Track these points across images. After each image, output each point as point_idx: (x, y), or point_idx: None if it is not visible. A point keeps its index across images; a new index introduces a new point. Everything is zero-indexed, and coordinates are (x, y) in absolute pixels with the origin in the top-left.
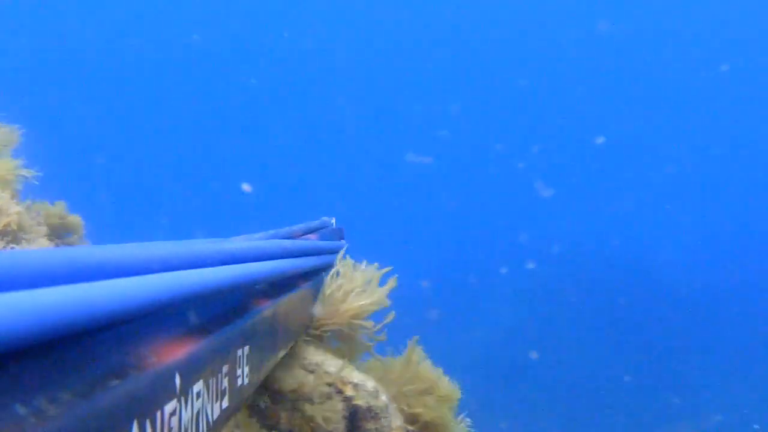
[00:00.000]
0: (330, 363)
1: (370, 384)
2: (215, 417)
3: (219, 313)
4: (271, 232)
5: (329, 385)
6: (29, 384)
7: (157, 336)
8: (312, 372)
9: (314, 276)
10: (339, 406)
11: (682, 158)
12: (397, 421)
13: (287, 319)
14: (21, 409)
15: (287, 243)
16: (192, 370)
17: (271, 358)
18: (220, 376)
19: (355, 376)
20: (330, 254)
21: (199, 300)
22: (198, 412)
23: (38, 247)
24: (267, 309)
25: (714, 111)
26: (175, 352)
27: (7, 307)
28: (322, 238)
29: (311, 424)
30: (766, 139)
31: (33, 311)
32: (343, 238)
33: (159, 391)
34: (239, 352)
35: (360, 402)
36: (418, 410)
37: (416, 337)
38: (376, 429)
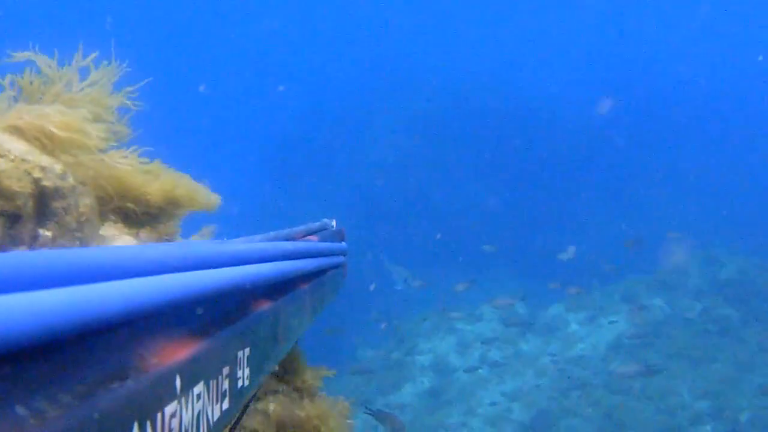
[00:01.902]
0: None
1: (57, 167)
2: (216, 418)
3: (219, 314)
4: (272, 234)
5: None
6: (30, 385)
7: (157, 337)
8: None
9: (315, 277)
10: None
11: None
12: (86, 200)
13: (288, 321)
14: (21, 411)
15: (288, 245)
16: (192, 371)
17: (271, 360)
18: (220, 377)
19: (44, 160)
20: (330, 256)
21: (200, 302)
22: (198, 414)
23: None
24: (267, 311)
25: None
26: (176, 353)
27: (8, 309)
28: (323, 240)
29: None
30: None
31: (34, 313)
32: (343, 240)
33: (159, 393)
34: (240, 353)
35: (47, 183)
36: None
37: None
38: (63, 207)
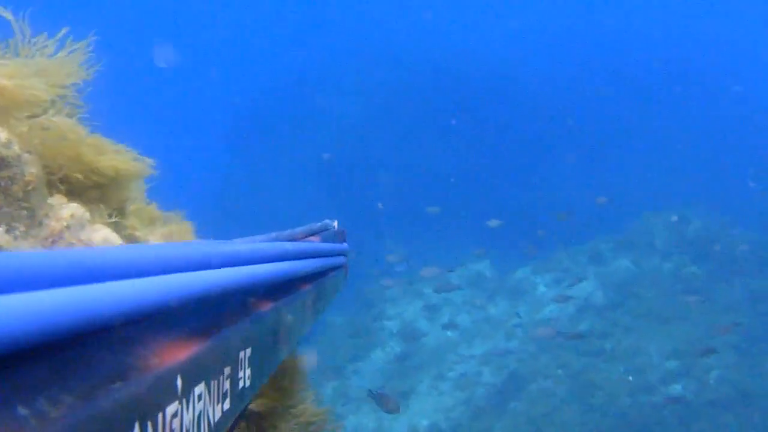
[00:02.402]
0: None
1: (2, 135)
2: (217, 419)
3: (221, 315)
4: (273, 234)
5: None
6: (31, 386)
7: (158, 338)
8: None
9: (316, 278)
10: None
11: None
12: (32, 169)
13: (289, 322)
14: (23, 411)
15: (289, 245)
16: (194, 372)
17: (273, 361)
18: (221, 378)
19: None
20: (332, 256)
21: (201, 302)
22: (199, 414)
23: None
24: (269, 311)
25: None
26: (177, 354)
27: (8, 309)
28: (324, 241)
29: None
30: None
31: (34, 313)
32: (345, 241)
33: (161, 393)
34: (241, 354)
35: None
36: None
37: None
38: (9, 176)
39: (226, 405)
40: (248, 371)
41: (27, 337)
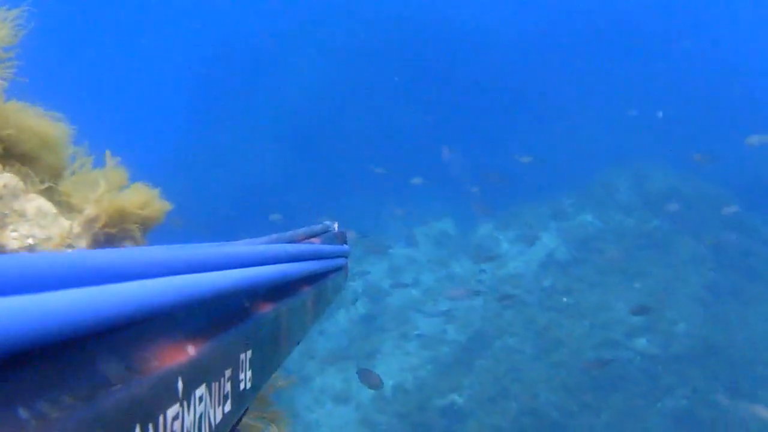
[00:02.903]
0: None
1: None
2: (218, 421)
3: (221, 317)
4: (274, 236)
5: None
6: (32, 387)
7: (159, 340)
8: None
9: (317, 280)
10: None
11: None
12: None
13: (290, 323)
14: (23, 413)
15: (289, 247)
16: (194, 374)
17: (273, 362)
18: (222, 380)
19: None
20: (332, 258)
21: (202, 304)
22: (200, 417)
23: None
24: (269, 313)
25: None
26: (178, 356)
27: (9, 311)
28: (325, 242)
29: None
30: None
31: (36, 315)
32: (346, 242)
33: (161, 395)
34: (242, 356)
35: None
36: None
37: None
38: None
39: (227, 407)
40: (249, 373)
41: (28, 339)
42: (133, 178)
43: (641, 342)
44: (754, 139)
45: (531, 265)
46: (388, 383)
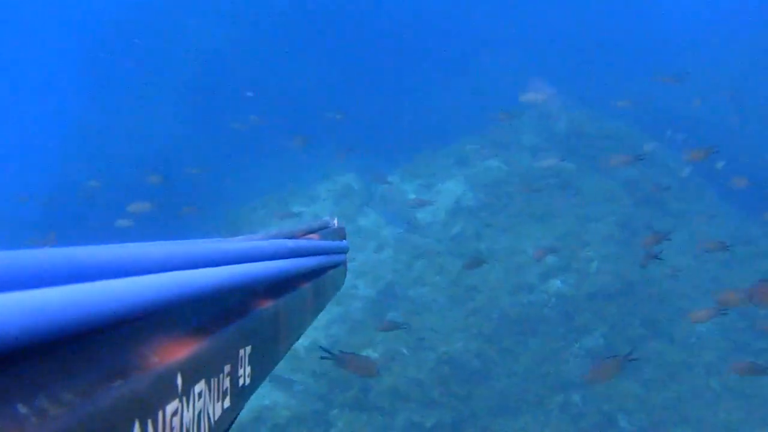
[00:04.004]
0: None
1: None
2: (217, 417)
3: (220, 313)
4: (273, 232)
5: None
6: (31, 383)
7: (158, 336)
8: None
9: (316, 276)
10: None
11: None
12: None
13: (289, 319)
14: (23, 409)
15: (289, 243)
16: (194, 369)
17: (273, 358)
18: (221, 376)
19: None
20: (331, 254)
21: (201, 300)
22: (200, 412)
23: None
24: (269, 309)
25: None
26: (177, 351)
27: (8, 307)
28: (324, 238)
29: None
30: None
31: (34, 311)
32: (344, 238)
33: (161, 391)
34: (241, 352)
35: None
36: None
37: None
38: None
39: (227, 403)
40: (248, 369)
41: (26, 335)
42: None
43: (556, 283)
44: (661, 77)
45: (439, 213)
46: (302, 343)
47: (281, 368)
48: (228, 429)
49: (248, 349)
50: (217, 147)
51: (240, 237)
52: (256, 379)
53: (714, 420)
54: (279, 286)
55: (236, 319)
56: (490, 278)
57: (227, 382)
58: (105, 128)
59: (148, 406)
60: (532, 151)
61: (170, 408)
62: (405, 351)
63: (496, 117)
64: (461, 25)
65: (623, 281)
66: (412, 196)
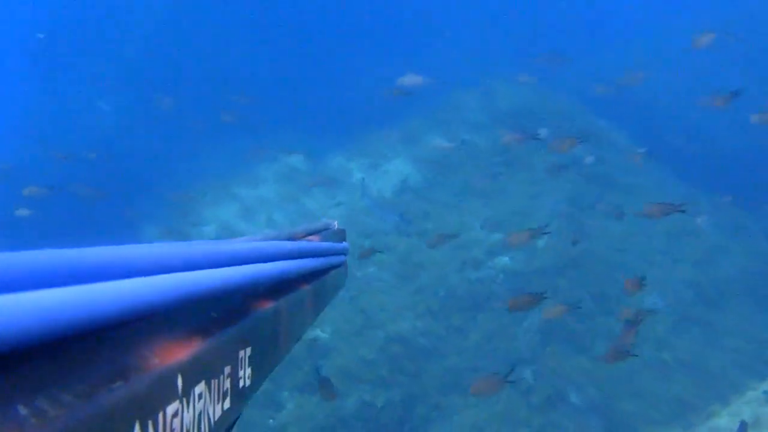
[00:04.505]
0: None
1: None
2: (217, 418)
3: (221, 314)
4: (273, 233)
5: None
6: (31, 385)
7: (158, 337)
8: None
9: (316, 277)
10: None
11: None
12: None
13: (289, 321)
14: (23, 410)
15: (289, 244)
16: (194, 371)
17: (273, 360)
18: (222, 377)
19: None
20: (331, 256)
21: (201, 301)
22: (200, 414)
23: None
24: (269, 310)
25: None
26: (177, 353)
27: (8, 308)
28: (324, 240)
29: None
30: None
31: (35, 312)
32: (344, 240)
33: (161, 393)
34: (241, 353)
35: None
36: None
37: None
38: None
39: (227, 404)
40: (248, 370)
41: (27, 336)
42: None
43: (503, 260)
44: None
45: (385, 192)
46: None
47: None
48: (230, 429)
49: (248, 350)
50: (162, 132)
51: (240, 238)
52: (257, 381)
53: (666, 394)
54: (279, 287)
55: (236, 321)
56: (437, 256)
57: (227, 384)
58: (46, 113)
59: (149, 407)
60: (476, 128)
61: (170, 409)
62: (354, 330)
63: (442, 94)
64: (402, 3)
65: (571, 256)
66: (359, 176)
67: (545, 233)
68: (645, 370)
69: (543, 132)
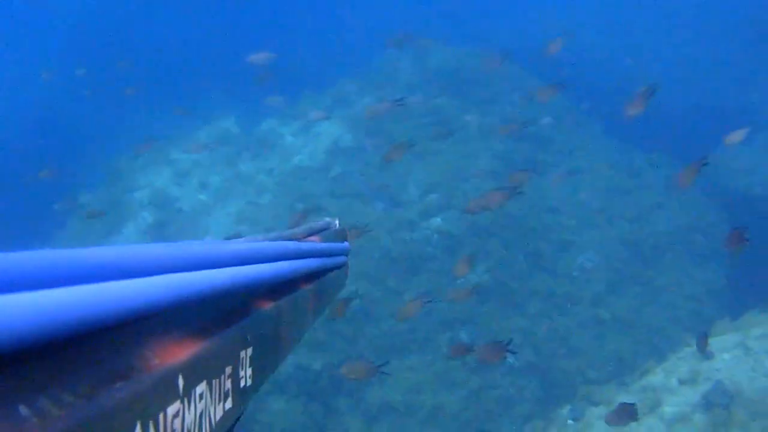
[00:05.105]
0: None
1: None
2: (218, 418)
3: (222, 314)
4: (274, 234)
5: None
6: (33, 385)
7: (159, 337)
8: None
9: (317, 278)
10: None
11: None
12: None
13: (290, 321)
14: (24, 410)
15: (290, 245)
16: (195, 371)
17: (274, 360)
18: (223, 377)
19: None
20: (332, 256)
21: (202, 301)
22: (201, 414)
23: None
24: (270, 311)
25: None
26: (178, 353)
27: (9, 308)
28: (325, 240)
29: None
30: None
31: (36, 312)
32: (346, 240)
33: (162, 393)
34: (242, 353)
35: None
36: None
37: None
38: None
39: (228, 404)
40: (249, 370)
41: (28, 336)
42: None
43: (436, 221)
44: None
45: (317, 155)
46: None
47: None
48: (231, 429)
49: (249, 350)
50: (97, 97)
51: (241, 238)
52: (258, 381)
53: (602, 351)
54: (280, 287)
55: (237, 321)
56: (370, 217)
57: (229, 384)
58: None
59: (150, 407)
60: (409, 88)
61: (171, 410)
62: None
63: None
64: None
65: (505, 216)
66: (290, 139)
67: (519, 192)
68: (581, 329)
69: (546, 120)
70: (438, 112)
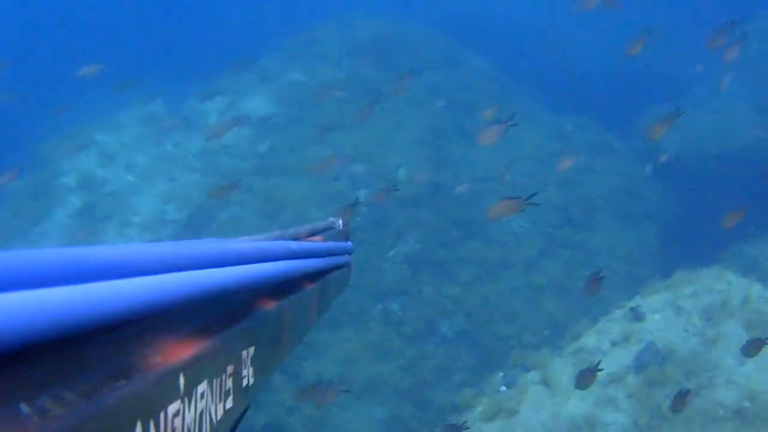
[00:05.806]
0: None
1: None
2: (219, 417)
3: (224, 313)
4: (277, 233)
5: None
6: (34, 383)
7: (161, 336)
8: None
9: (320, 277)
10: None
11: None
12: None
13: (293, 321)
14: (25, 409)
15: (293, 244)
16: (196, 370)
17: (276, 359)
18: (224, 376)
19: None
20: (335, 255)
21: (204, 301)
22: (201, 413)
23: None
24: (272, 310)
25: None
26: (180, 352)
27: (11, 307)
28: (328, 239)
29: None
30: None
31: (38, 311)
32: (349, 239)
33: (163, 391)
34: (244, 352)
35: None
36: None
37: None
38: None
39: (229, 403)
40: (251, 370)
41: (30, 335)
42: None
43: (365, 193)
44: None
45: (244, 132)
46: None
47: None
48: (234, 429)
49: (251, 350)
50: (25, 85)
51: (244, 238)
52: (260, 380)
53: (536, 316)
54: (283, 287)
55: (239, 320)
56: (298, 192)
57: (230, 383)
58: None
59: (151, 406)
60: (334, 61)
61: (172, 408)
62: None
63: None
64: None
65: (432, 185)
66: (215, 117)
67: (533, 204)
68: (515, 294)
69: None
70: (365, 85)
